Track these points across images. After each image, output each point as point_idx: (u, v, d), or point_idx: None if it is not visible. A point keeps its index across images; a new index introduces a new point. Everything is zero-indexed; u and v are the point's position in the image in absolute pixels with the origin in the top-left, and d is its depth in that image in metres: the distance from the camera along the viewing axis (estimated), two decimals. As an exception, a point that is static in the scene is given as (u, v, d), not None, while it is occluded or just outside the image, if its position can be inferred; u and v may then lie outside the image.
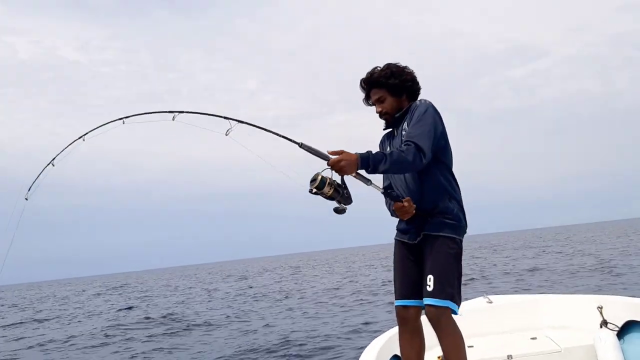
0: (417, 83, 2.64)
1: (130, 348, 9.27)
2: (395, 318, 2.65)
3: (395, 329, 3.52)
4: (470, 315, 3.82)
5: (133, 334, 10.93)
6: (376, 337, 3.60)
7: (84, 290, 41.59)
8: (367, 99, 2.67)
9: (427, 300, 2.40)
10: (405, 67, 2.62)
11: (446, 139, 2.54)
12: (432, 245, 2.46)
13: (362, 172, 2.38)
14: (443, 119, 2.54)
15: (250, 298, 17.08)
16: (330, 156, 2.31)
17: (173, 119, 2.62)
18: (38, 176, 3.00)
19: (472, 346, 3.58)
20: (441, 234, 2.45)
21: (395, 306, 2.62)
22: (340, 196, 2.34)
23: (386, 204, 2.71)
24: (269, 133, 2.49)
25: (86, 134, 2.85)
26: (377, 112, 2.65)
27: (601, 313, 3.46)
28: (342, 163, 2.27)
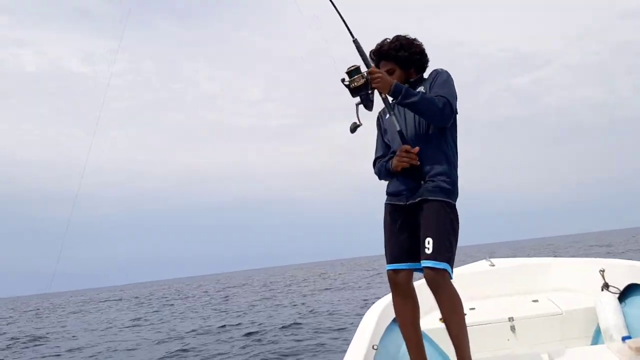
0: (426, 56, 2.64)
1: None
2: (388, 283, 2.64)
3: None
4: (472, 278, 3.85)
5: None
6: (375, 301, 3.63)
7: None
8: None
9: (425, 263, 2.37)
10: (415, 40, 2.61)
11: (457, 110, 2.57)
12: (429, 209, 2.44)
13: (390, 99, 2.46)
14: None
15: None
16: (372, 66, 2.43)
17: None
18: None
19: (473, 308, 3.61)
20: (439, 198, 2.43)
21: (387, 270, 2.62)
22: (366, 94, 2.41)
23: (379, 166, 2.69)
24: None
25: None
26: None
27: (603, 276, 3.47)
28: (380, 76, 2.36)
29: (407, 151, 2.47)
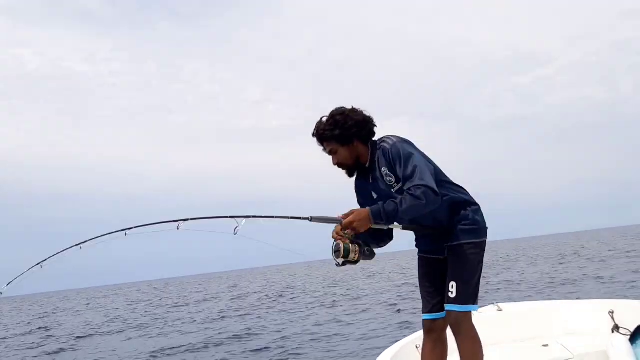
0: (367, 123, 2.53)
1: None
2: (422, 329, 2.70)
3: (405, 341, 3.60)
4: (481, 324, 3.76)
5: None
6: (385, 349, 3.55)
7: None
8: (324, 150, 2.60)
9: (449, 307, 2.44)
10: (351, 111, 2.51)
11: (430, 161, 2.51)
12: (453, 254, 2.50)
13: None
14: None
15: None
16: (342, 219, 2.33)
17: (178, 228, 2.48)
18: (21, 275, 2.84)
19: (483, 356, 3.54)
20: (462, 241, 2.48)
21: (423, 320, 2.65)
22: (364, 256, 2.39)
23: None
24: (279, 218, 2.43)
25: (84, 242, 2.70)
26: (334, 164, 2.58)
27: (612, 318, 3.43)
28: (355, 224, 2.30)
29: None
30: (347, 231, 2.33)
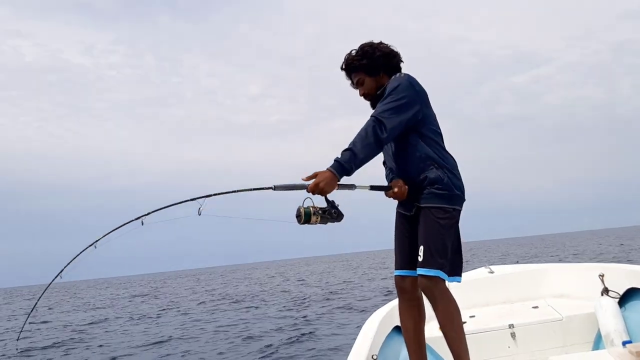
0: (393, 56, 2.60)
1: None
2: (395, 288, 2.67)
3: (397, 301, 3.57)
4: (472, 285, 3.84)
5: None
6: (378, 308, 3.62)
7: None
8: (353, 84, 2.68)
9: (419, 271, 2.41)
10: (379, 44, 2.60)
11: (426, 112, 2.50)
12: (423, 217, 2.46)
13: (344, 179, 2.35)
14: (426, 90, 2.51)
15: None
16: (307, 183, 2.31)
17: (142, 224, 2.48)
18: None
19: (473, 316, 3.59)
20: (431, 204, 2.44)
21: (394, 276, 2.65)
22: (331, 218, 2.36)
23: (386, 175, 2.72)
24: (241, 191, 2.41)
25: (98, 240, 2.68)
26: (360, 95, 2.66)
27: (602, 281, 3.46)
28: (321, 185, 2.27)
29: (394, 195, 2.53)
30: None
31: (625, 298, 3.36)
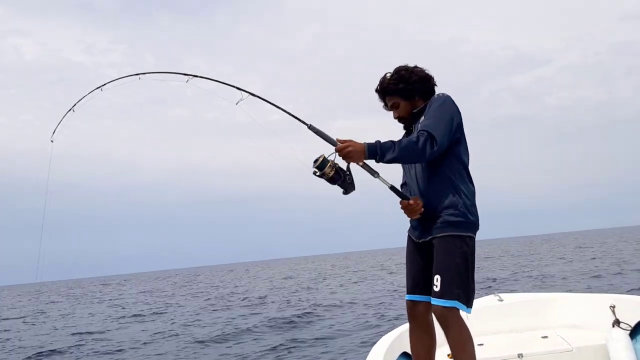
0: (429, 80, 2.61)
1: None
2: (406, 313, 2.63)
3: (406, 326, 3.54)
4: (481, 313, 3.78)
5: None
6: (386, 333, 3.56)
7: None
8: (386, 106, 2.69)
9: (434, 301, 2.39)
10: (415, 68, 2.60)
11: (462, 132, 2.51)
12: (438, 245, 2.44)
13: (371, 162, 2.37)
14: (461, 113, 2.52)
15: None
16: (338, 142, 2.34)
17: (187, 82, 2.72)
18: (60, 121, 3.20)
19: (482, 344, 3.53)
20: (446, 233, 2.41)
21: (406, 300, 2.62)
22: (342, 180, 2.36)
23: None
24: (279, 109, 2.54)
25: (104, 84, 2.97)
26: (394, 118, 2.66)
27: (613, 312, 3.40)
28: (350, 149, 2.31)
29: (407, 206, 2.49)
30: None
31: (636, 330, 3.28)
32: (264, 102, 2.58)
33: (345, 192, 2.41)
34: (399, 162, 2.44)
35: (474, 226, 2.47)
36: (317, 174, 2.36)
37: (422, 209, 2.47)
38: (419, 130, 2.39)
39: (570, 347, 3.29)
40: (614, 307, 3.42)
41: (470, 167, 2.54)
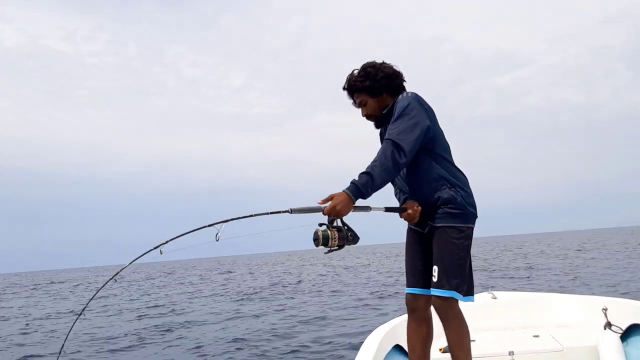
0: (397, 77, 2.57)
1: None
2: (405, 306, 2.65)
3: (399, 319, 3.58)
4: (474, 310, 3.80)
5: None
6: (380, 325, 3.58)
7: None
8: (355, 103, 2.65)
9: (433, 292, 2.42)
10: (381, 65, 2.56)
11: (435, 130, 2.47)
12: (437, 236, 2.46)
13: (359, 202, 2.33)
14: (432, 107, 2.49)
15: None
16: (323, 206, 2.28)
17: (161, 253, 2.39)
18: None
19: (474, 340, 3.54)
20: (445, 224, 2.44)
21: (406, 294, 2.64)
22: (347, 241, 2.33)
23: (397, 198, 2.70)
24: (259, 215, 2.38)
25: (119, 272, 2.74)
26: (363, 116, 2.64)
27: (605, 315, 3.45)
28: (337, 207, 2.24)
29: (408, 216, 2.52)
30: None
31: (627, 333, 3.34)
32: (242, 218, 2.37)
33: (354, 244, 2.39)
34: (385, 185, 2.39)
35: (473, 216, 2.50)
36: (327, 251, 2.33)
37: (420, 214, 2.50)
38: (385, 139, 2.37)
39: (561, 347, 3.34)
40: (606, 309, 3.47)
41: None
